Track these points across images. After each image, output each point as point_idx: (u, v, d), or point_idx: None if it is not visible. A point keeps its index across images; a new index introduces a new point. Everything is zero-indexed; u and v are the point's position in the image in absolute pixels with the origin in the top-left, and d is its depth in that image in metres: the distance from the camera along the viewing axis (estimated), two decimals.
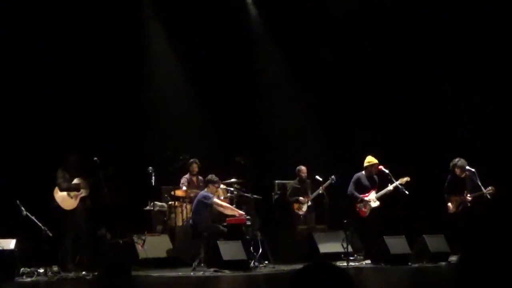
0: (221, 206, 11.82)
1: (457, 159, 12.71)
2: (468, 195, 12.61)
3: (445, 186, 12.83)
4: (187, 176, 13.01)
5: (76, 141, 12.58)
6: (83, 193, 11.35)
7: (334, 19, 14.94)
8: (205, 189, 11.84)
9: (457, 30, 14.38)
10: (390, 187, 12.65)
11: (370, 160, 12.91)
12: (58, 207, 11.21)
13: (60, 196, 11.25)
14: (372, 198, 12.77)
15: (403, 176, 12.64)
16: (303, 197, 13.57)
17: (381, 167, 12.77)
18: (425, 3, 14.59)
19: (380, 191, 12.82)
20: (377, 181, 12.92)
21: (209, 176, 11.96)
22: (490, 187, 12.50)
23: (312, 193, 13.52)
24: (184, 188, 12.85)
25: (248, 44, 15.45)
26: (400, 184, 12.54)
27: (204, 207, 11.64)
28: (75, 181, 11.38)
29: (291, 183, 13.85)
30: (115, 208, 11.30)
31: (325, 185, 13.24)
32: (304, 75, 15.14)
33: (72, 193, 11.28)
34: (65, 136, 12.69)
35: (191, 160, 12.97)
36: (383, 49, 14.80)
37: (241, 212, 11.96)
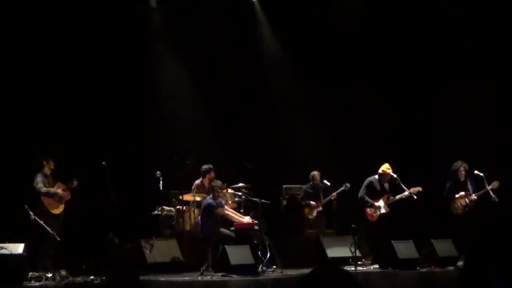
0: (227, 216, 11.80)
1: (459, 162, 12.70)
2: (473, 195, 12.60)
3: (446, 190, 12.77)
4: (198, 181, 12.97)
5: (85, 147, 12.64)
6: (67, 197, 11.43)
7: (344, 26, 14.93)
8: (210, 195, 11.83)
9: (461, 36, 14.39)
10: (404, 194, 12.57)
11: (386, 169, 12.73)
12: (46, 210, 11.24)
13: (47, 200, 11.32)
14: (382, 205, 12.70)
15: (415, 186, 12.57)
16: (315, 201, 13.58)
17: (393, 174, 12.68)
18: (430, 11, 14.62)
19: (390, 197, 12.74)
20: (388, 188, 12.85)
21: (213, 183, 11.97)
22: (494, 182, 12.48)
23: (324, 198, 13.53)
24: (192, 194, 12.82)
25: (257, 49, 15.46)
26: (412, 193, 12.49)
27: (209, 214, 11.65)
28: (56, 187, 11.42)
29: (304, 187, 13.87)
30: (122, 212, 11.32)
31: (338, 191, 13.27)
32: (312, 80, 15.12)
33: (57, 198, 11.38)
34: (74, 141, 12.72)
35: (209, 167, 12.90)
36: (392, 57, 14.82)
37: (247, 220, 11.95)
